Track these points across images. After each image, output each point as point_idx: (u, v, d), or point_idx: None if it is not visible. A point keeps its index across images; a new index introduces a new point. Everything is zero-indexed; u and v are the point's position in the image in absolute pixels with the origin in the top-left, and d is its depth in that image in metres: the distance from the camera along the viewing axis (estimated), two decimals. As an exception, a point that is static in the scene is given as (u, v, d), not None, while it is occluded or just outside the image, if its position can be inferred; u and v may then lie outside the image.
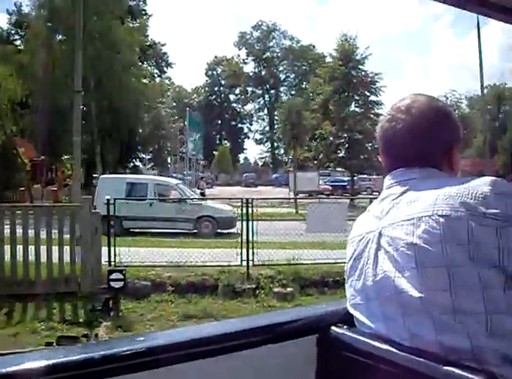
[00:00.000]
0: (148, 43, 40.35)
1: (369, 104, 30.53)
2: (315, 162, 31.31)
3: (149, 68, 43.03)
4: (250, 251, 10.83)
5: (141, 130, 34.05)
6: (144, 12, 39.30)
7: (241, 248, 10.89)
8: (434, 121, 1.30)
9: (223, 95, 68.22)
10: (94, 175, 26.93)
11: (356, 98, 30.51)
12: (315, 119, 30.66)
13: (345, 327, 1.29)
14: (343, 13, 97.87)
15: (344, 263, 1.35)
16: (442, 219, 1.11)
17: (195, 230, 15.80)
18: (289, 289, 10.09)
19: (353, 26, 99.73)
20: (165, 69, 49.18)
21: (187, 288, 10.02)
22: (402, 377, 1.10)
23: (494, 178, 1.16)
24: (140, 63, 35.37)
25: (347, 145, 29.39)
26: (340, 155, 30.18)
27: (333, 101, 29.61)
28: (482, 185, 1.14)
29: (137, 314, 9.14)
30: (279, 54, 65.99)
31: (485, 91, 65.87)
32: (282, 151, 52.32)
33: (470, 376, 0.99)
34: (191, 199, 17.67)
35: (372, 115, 29.53)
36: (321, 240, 12.13)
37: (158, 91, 39.39)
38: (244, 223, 11.32)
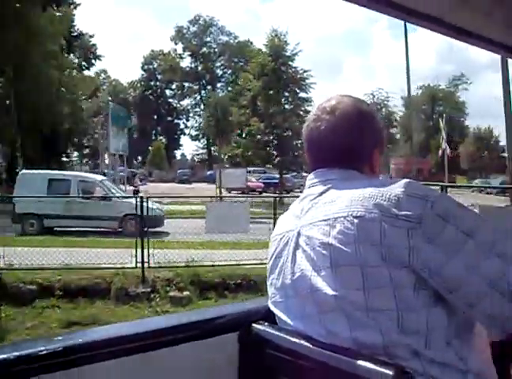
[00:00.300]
0: (74, 34, 38.72)
1: (298, 101, 30.42)
2: (245, 158, 30.90)
3: (76, 60, 41.30)
4: (146, 252, 10.21)
5: (66, 125, 32.57)
6: (70, 0, 37.55)
7: (135, 248, 10.24)
8: (357, 124, 1.32)
9: (159, 90, 66.80)
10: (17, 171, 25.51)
11: (286, 94, 30.29)
12: (244, 115, 30.33)
13: (266, 324, 1.32)
14: (288, 11, 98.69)
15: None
16: (356, 220, 1.14)
17: (120, 229, 15.22)
18: (186, 293, 9.61)
19: (297, 24, 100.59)
20: (93, 61, 47.11)
21: (78, 292, 9.40)
22: (319, 372, 1.14)
23: (408, 180, 1.19)
24: (65, 55, 33.79)
25: (275, 142, 29.07)
26: (269, 152, 29.82)
27: (261, 97, 29.28)
28: (396, 187, 1.16)
29: (17, 322, 8.46)
30: (216, 50, 65.33)
31: (419, 91, 68.24)
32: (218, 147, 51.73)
33: (381, 369, 1.02)
34: (117, 197, 17.01)
35: (302, 112, 29.47)
36: (236, 240, 11.86)
37: (88, 84, 37.87)
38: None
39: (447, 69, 67.01)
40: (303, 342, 1.18)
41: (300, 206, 1.31)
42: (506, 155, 62.37)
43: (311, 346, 1.16)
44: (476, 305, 1.13)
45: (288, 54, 30.35)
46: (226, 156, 33.06)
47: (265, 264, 1.38)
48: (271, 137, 29.24)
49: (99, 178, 18.81)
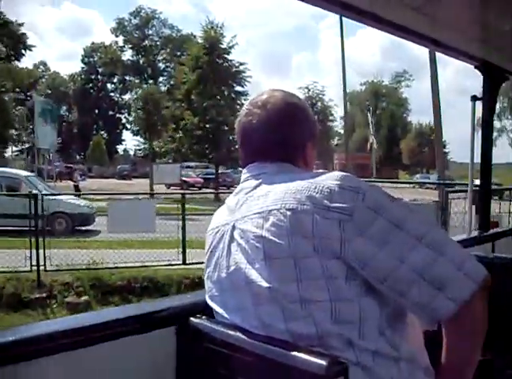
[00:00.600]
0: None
1: (233, 95, 29.82)
2: (180, 154, 30.09)
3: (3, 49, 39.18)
4: (42, 253, 9.39)
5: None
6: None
7: (30, 249, 9.42)
8: (289, 117, 1.34)
9: (100, 84, 64.77)
10: None
11: (222, 88, 29.59)
12: (179, 109, 29.54)
13: (204, 318, 1.33)
14: (237, 6, 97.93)
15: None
16: (289, 213, 1.16)
17: (49, 228, 14.29)
18: (84, 298, 8.96)
19: (246, 19, 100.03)
20: (23, 51, 44.52)
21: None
22: (256, 364, 1.15)
23: (341, 173, 1.22)
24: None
25: (210, 137, 28.30)
26: (203, 147, 29.00)
27: (195, 91, 28.49)
28: (329, 179, 1.19)
29: None
30: (158, 43, 63.89)
31: (363, 87, 69.06)
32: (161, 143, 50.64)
33: (316, 360, 1.04)
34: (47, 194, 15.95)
35: (238, 106, 28.91)
36: (150, 239, 11.31)
37: (18, 75, 36.01)
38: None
39: (392, 66, 68.40)
40: (239, 335, 1.19)
41: (235, 200, 1.31)
42: (447, 150, 64.52)
43: (247, 338, 1.17)
44: (405, 294, 1.15)
45: (224, 46, 29.67)
46: (162, 151, 32.10)
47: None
48: (203, 132, 28.17)
49: (24, 173, 17.69)
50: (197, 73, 28.69)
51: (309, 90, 36.21)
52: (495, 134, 51.55)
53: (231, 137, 28.79)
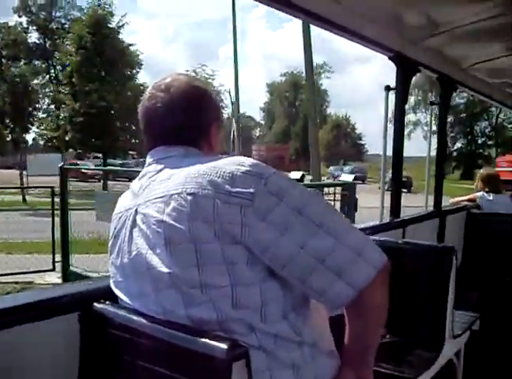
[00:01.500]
0: None
1: (122, 78, 27.64)
2: (63, 142, 27.76)
3: None
4: None
5: None
6: None
7: None
8: (192, 101, 1.35)
9: (3, 68, 60.56)
10: None
11: (109, 71, 27.30)
12: (62, 94, 27.29)
13: (107, 303, 1.33)
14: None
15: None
16: (190, 197, 1.16)
17: None
18: None
19: (174, 7, 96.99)
20: None
21: None
22: (158, 349, 1.15)
23: (244, 158, 1.22)
24: None
25: (93, 123, 25.78)
26: (87, 134, 26.56)
27: (77, 73, 26.21)
28: (232, 164, 1.19)
29: None
30: (66, 26, 60.34)
31: (284, 78, 68.63)
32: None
33: (216, 344, 1.05)
34: None
35: (128, 92, 26.96)
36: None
37: None
38: None
39: (318, 60, 68.59)
40: (141, 320, 1.20)
41: (139, 184, 1.31)
42: (363, 142, 65.75)
43: (149, 324, 1.18)
44: (305, 280, 1.17)
45: (112, 26, 27.55)
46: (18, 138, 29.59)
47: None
48: (87, 118, 25.48)
49: None
50: (80, 54, 26.38)
51: (196, 73, 33.97)
52: (410, 127, 52.91)
53: (118, 124, 26.94)
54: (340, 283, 1.17)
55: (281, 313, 1.19)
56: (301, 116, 64.10)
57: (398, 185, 3.55)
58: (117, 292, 1.31)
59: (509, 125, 51.82)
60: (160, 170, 1.28)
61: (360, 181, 41.77)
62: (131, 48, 28.05)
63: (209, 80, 34.37)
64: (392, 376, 2.27)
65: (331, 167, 52.06)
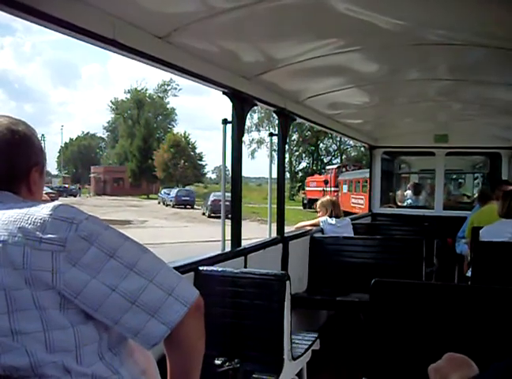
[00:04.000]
0: None
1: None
2: None
3: None
4: None
5: None
6: None
7: None
8: (12, 145, 1.32)
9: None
10: None
11: None
12: None
13: None
14: None
15: None
16: (0, 245, 1.15)
17: None
18: None
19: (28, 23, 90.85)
20: None
21: None
22: None
23: (58, 203, 1.23)
24: None
25: None
26: None
27: None
28: (44, 209, 1.19)
29: None
30: None
31: (128, 95, 66.27)
32: None
33: None
34: None
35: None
36: None
37: None
38: None
39: (166, 77, 66.86)
40: None
41: None
42: (203, 163, 63.20)
43: None
44: (119, 321, 1.20)
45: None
46: None
47: None
48: None
49: None
50: None
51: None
52: (254, 146, 53.65)
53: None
54: (153, 322, 1.21)
55: (97, 354, 1.21)
56: (139, 135, 61.89)
57: (238, 215, 3.63)
58: None
59: (349, 147, 54.13)
60: None
61: (189, 206, 40.48)
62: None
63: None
64: None
65: (163, 190, 48.87)
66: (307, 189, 38.13)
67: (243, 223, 3.69)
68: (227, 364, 2.50)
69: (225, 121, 3.47)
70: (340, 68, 3.76)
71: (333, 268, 4.89)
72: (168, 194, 44.64)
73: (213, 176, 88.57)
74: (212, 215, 30.82)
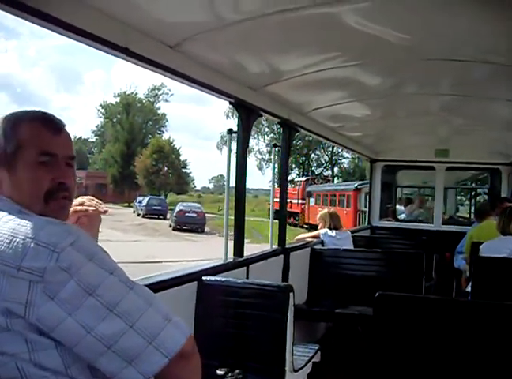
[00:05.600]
0: None
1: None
2: None
3: None
4: None
5: None
6: None
7: None
8: None
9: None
10: None
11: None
12: None
13: None
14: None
15: None
16: None
17: None
18: None
19: (35, 27, 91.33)
20: None
21: None
22: None
23: (45, 223, 1.15)
24: None
25: None
26: None
27: None
28: (28, 231, 1.12)
29: None
30: None
31: (118, 99, 65.45)
32: None
33: None
34: None
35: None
36: None
37: None
38: None
39: (158, 82, 66.08)
40: None
41: None
42: (188, 170, 60.84)
43: None
44: (95, 362, 1.14)
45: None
46: None
47: None
48: None
49: None
50: None
51: None
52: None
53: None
54: (130, 370, 1.13)
55: (89, 371, 1.17)
56: (121, 140, 60.17)
57: (241, 226, 3.62)
58: None
59: (340, 159, 53.35)
60: None
61: (162, 217, 36.02)
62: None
63: None
64: None
65: (138, 198, 45.59)
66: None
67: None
68: (229, 375, 2.49)
69: (230, 131, 3.47)
70: (344, 81, 3.80)
71: (333, 280, 4.88)
72: (140, 202, 41.02)
73: (211, 186, 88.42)
74: (178, 227, 28.57)
